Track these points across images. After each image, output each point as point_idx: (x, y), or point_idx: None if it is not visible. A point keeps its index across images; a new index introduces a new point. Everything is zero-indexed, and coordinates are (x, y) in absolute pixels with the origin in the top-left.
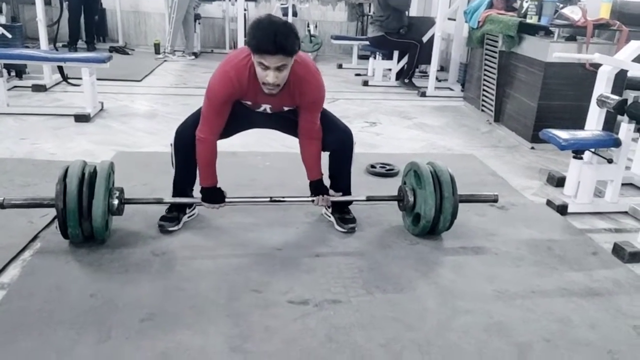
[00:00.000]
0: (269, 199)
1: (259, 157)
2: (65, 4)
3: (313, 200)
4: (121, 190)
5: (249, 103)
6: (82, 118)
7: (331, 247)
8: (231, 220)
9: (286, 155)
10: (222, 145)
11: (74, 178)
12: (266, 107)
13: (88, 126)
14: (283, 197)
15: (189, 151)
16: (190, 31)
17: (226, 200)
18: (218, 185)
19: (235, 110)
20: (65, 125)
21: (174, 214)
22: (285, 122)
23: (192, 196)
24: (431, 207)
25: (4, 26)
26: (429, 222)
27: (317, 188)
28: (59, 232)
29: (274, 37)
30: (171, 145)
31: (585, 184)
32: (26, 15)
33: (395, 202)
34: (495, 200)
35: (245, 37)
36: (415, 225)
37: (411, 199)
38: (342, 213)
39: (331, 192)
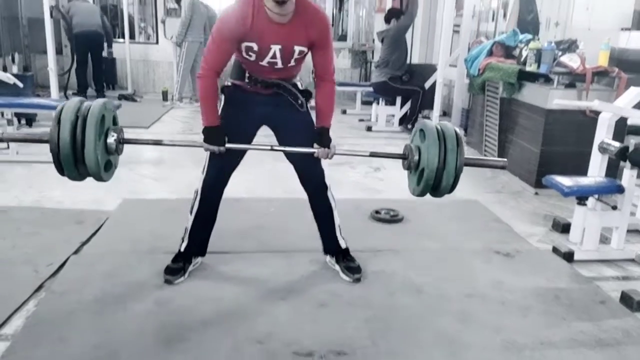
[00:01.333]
0: (269, 147)
1: (264, 203)
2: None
3: (314, 153)
4: (120, 130)
5: (256, 48)
6: None
7: (336, 296)
8: (235, 268)
9: (291, 201)
10: (227, 191)
11: (67, 123)
12: (276, 50)
13: None
14: (285, 148)
15: (215, 199)
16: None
17: (226, 145)
18: (220, 129)
19: (238, 107)
20: None
21: (179, 264)
22: (290, 128)
23: (206, 246)
24: (434, 155)
25: (15, 76)
26: (432, 172)
27: (320, 137)
28: (64, 283)
29: None
30: (195, 192)
31: (590, 230)
32: (37, 64)
33: (400, 252)
34: (504, 167)
35: None
36: (419, 182)
37: (416, 156)
38: (347, 261)
39: (333, 146)
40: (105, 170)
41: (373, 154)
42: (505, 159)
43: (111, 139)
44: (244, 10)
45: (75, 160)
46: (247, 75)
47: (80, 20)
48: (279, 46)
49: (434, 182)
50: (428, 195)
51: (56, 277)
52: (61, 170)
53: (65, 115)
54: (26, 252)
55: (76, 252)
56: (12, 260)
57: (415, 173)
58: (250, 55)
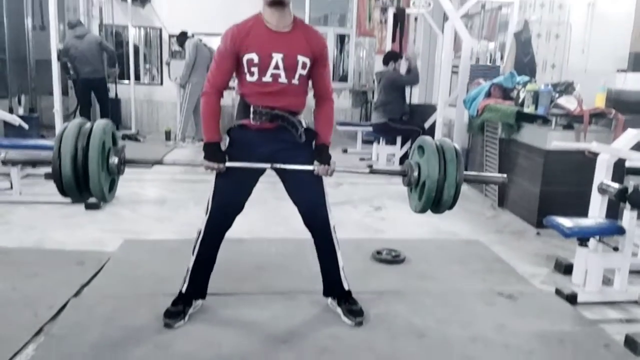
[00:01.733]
0: (269, 166)
1: (266, 243)
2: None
3: (314, 170)
4: (121, 150)
5: (257, 59)
6: (92, 206)
7: (338, 339)
8: (235, 311)
9: (292, 241)
10: (229, 231)
11: (67, 155)
12: (278, 59)
13: (98, 214)
14: (284, 165)
15: (216, 240)
16: (200, 119)
17: (227, 164)
18: (220, 146)
19: (242, 149)
20: (76, 213)
21: (179, 308)
22: (290, 159)
23: (205, 288)
24: (434, 167)
25: (21, 117)
26: (433, 184)
27: (320, 153)
28: (64, 327)
29: None
30: (198, 232)
31: (592, 272)
32: (43, 105)
33: (402, 294)
34: (504, 183)
35: None
36: (420, 197)
37: (415, 171)
38: (348, 304)
39: (332, 162)
40: (109, 191)
41: (373, 171)
42: (505, 175)
43: (113, 160)
44: (241, 25)
45: (78, 187)
46: (251, 110)
47: (80, 67)
48: (281, 54)
49: (436, 194)
50: (430, 234)
51: (56, 320)
52: (65, 194)
53: (65, 147)
54: (26, 294)
55: (76, 294)
56: (12, 302)
57: (416, 189)
58: (252, 74)
